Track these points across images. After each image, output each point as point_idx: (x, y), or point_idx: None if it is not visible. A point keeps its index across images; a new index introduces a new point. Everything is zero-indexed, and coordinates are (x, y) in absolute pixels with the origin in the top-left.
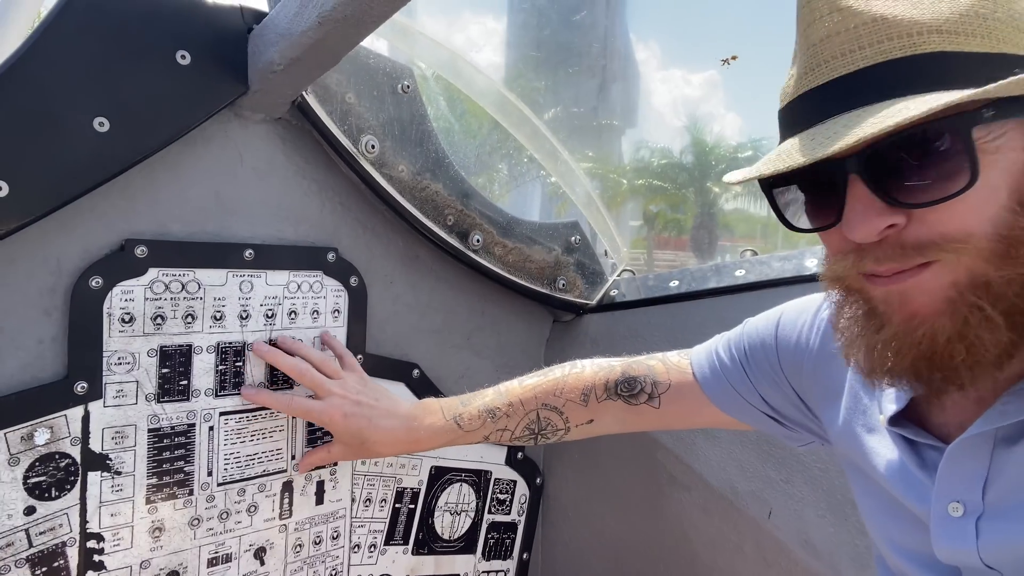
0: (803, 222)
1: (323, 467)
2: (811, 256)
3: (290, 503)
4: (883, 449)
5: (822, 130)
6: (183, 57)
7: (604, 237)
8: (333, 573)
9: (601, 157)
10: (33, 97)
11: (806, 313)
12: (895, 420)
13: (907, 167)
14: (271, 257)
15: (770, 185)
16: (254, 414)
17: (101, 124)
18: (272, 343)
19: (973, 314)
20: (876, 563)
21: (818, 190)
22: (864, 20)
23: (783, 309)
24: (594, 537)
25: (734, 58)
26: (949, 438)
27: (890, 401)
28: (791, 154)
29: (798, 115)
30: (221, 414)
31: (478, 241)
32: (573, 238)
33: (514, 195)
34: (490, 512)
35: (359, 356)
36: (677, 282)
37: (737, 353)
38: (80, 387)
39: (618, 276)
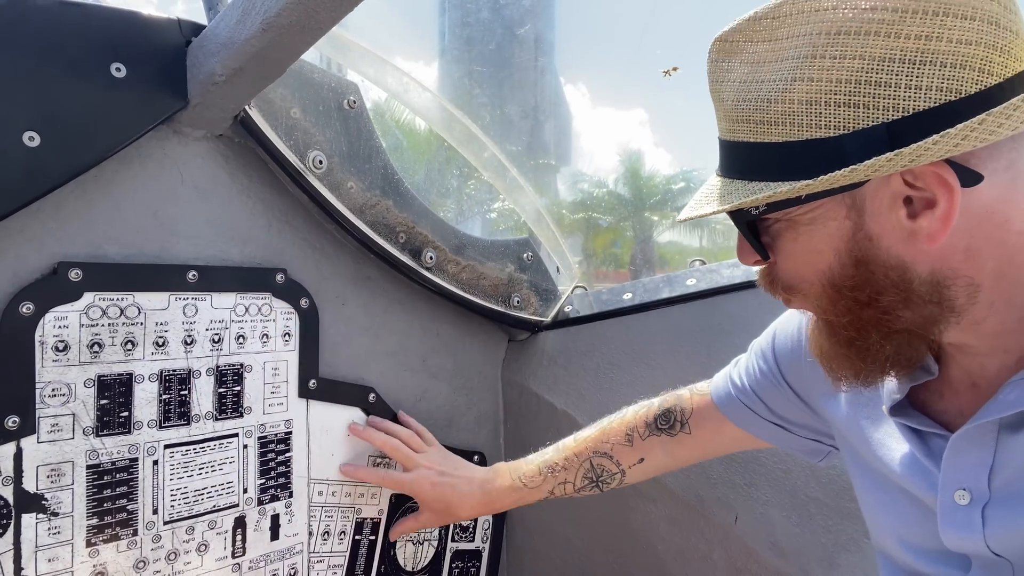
0: None
1: (278, 499)
2: None
3: (243, 540)
4: (890, 440)
5: (708, 182)
6: (118, 70)
7: (555, 254)
8: None
9: (539, 193)
10: None
11: (795, 319)
12: (897, 409)
13: (742, 231)
14: (216, 279)
15: None
16: (201, 446)
17: (31, 139)
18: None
19: (822, 343)
20: (880, 565)
21: None
22: (717, 98)
23: (777, 322)
24: (561, 559)
25: (675, 69)
26: (952, 426)
27: (892, 392)
28: (698, 204)
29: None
30: (166, 447)
31: (431, 259)
32: (525, 255)
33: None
34: (453, 540)
35: (312, 381)
36: (630, 295)
37: (746, 373)
38: (11, 422)
39: (571, 292)
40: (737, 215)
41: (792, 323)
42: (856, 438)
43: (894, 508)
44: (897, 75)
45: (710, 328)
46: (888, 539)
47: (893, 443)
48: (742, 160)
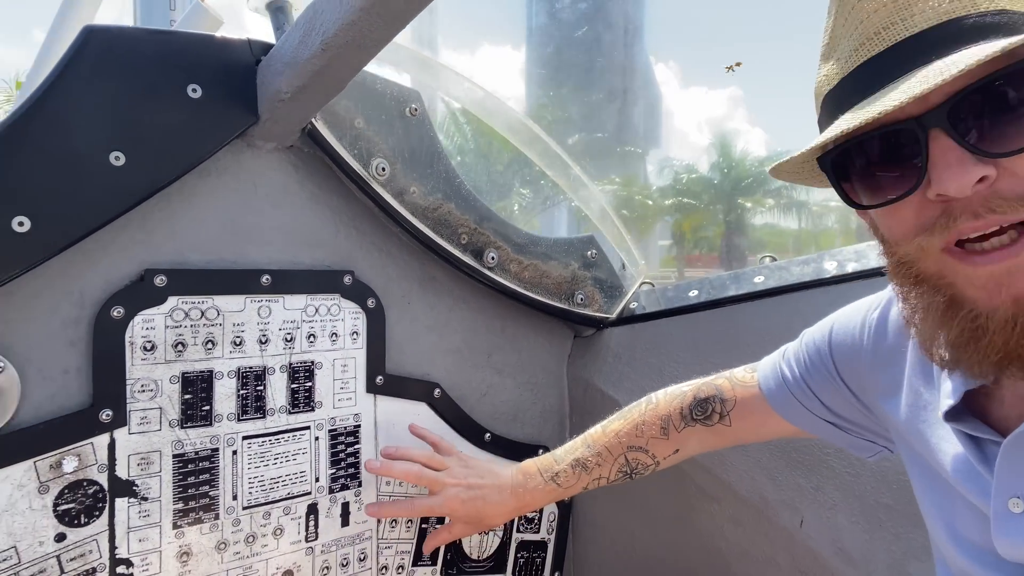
0: (869, 199)
1: (348, 488)
2: (830, 259)
3: (315, 525)
4: (946, 444)
5: (894, 88)
6: (194, 91)
7: (621, 251)
8: None
9: (626, 180)
10: (51, 135)
11: (858, 315)
12: (953, 415)
13: (994, 113)
14: (288, 282)
15: (832, 163)
16: (276, 437)
17: (117, 158)
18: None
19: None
20: (937, 566)
21: (890, 158)
22: None
23: (836, 316)
24: (625, 553)
25: (738, 64)
26: (1009, 432)
27: (947, 396)
28: (864, 112)
29: (856, 88)
30: (244, 438)
31: (493, 259)
32: (589, 252)
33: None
34: (518, 531)
35: (379, 377)
36: (696, 292)
37: (796, 364)
38: (105, 415)
39: (637, 289)
40: (992, 89)
41: (854, 318)
42: (915, 440)
43: (951, 512)
44: None
45: (778, 327)
46: (945, 543)
47: (949, 448)
48: (994, 26)
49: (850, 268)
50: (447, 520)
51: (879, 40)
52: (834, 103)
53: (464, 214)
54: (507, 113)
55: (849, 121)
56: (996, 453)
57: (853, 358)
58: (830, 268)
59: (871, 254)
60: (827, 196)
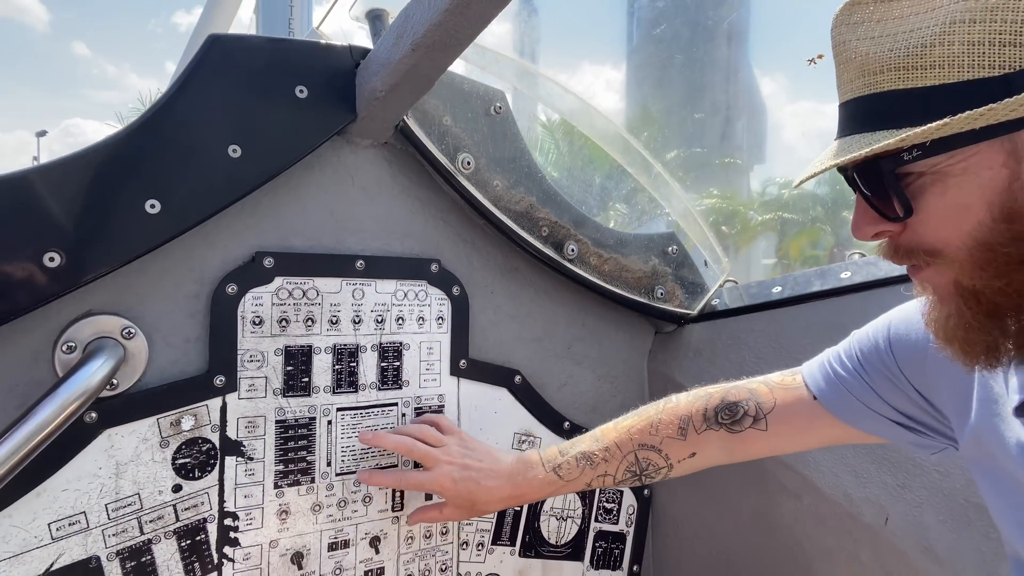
0: None
1: None
2: None
3: (402, 496)
4: (1017, 437)
5: (829, 148)
6: (301, 92)
7: (704, 248)
8: (443, 568)
9: (728, 194)
10: (179, 129)
11: (919, 312)
12: (1021, 410)
13: (877, 189)
14: (380, 267)
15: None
16: (367, 411)
17: (235, 151)
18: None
19: (959, 315)
20: (1010, 565)
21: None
22: (852, 56)
23: (891, 314)
24: (706, 550)
25: (820, 57)
26: None
27: (1015, 391)
28: (824, 160)
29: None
30: (338, 410)
31: (573, 251)
32: (670, 248)
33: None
34: (596, 520)
35: (463, 361)
36: (780, 288)
37: (850, 362)
38: (219, 380)
39: (720, 286)
40: (873, 169)
41: (914, 315)
42: (986, 436)
43: (1022, 507)
44: None
45: (862, 322)
46: (1018, 539)
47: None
48: (884, 111)
49: None
50: (435, 499)
51: (840, 93)
52: None
53: (545, 207)
54: (592, 115)
55: (808, 170)
56: None
57: (917, 355)
58: None
59: None
60: None
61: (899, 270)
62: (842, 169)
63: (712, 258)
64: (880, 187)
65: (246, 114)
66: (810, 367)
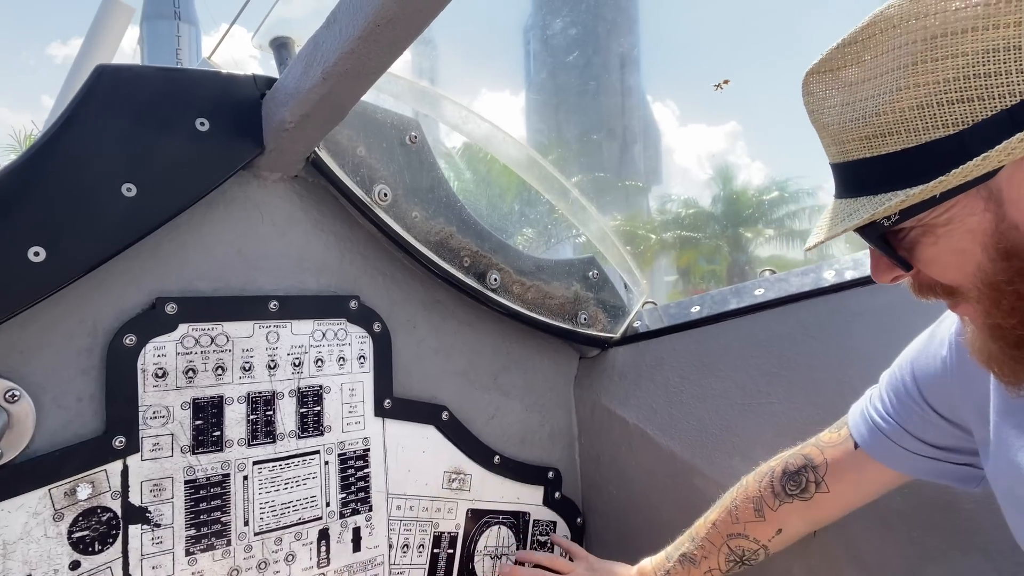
0: None
1: (358, 513)
2: (828, 268)
3: (327, 551)
4: None
5: (829, 207)
6: (202, 124)
7: (623, 271)
8: None
9: (629, 216)
10: (65, 168)
11: (936, 338)
12: None
13: (876, 247)
14: (295, 307)
15: None
16: (287, 462)
17: (129, 190)
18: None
19: (994, 345)
20: None
21: None
22: (822, 125)
23: (911, 348)
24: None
25: (726, 82)
26: None
27: None
28: (824, 227)
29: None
30: (254, 463)
31: (496, 280)
32: (591, 273)
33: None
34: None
35: (387, 401)
36: (698, 307)
37: (882, 404)
38: (118, 441)
39: (640, 308)
40: (869, 230)
41: (932, 343)
42: (1007, 447)
43: None
44: (1005, 62)
45: (780, 338)
46: None
47: None
48: (860, 178)
49: (848, 276)
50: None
51: (828, 156)
52: None
53: (465, 238)
54: (507, 143)
55: (814, 238)
56: None
57: (939, 381)
58: (829, 277)
59: (868, 262)
60: None
61: (810, 284)
62: None
63: (631, 280)
64: (882, 244)
65: (141, 149)
66: (852, 416)
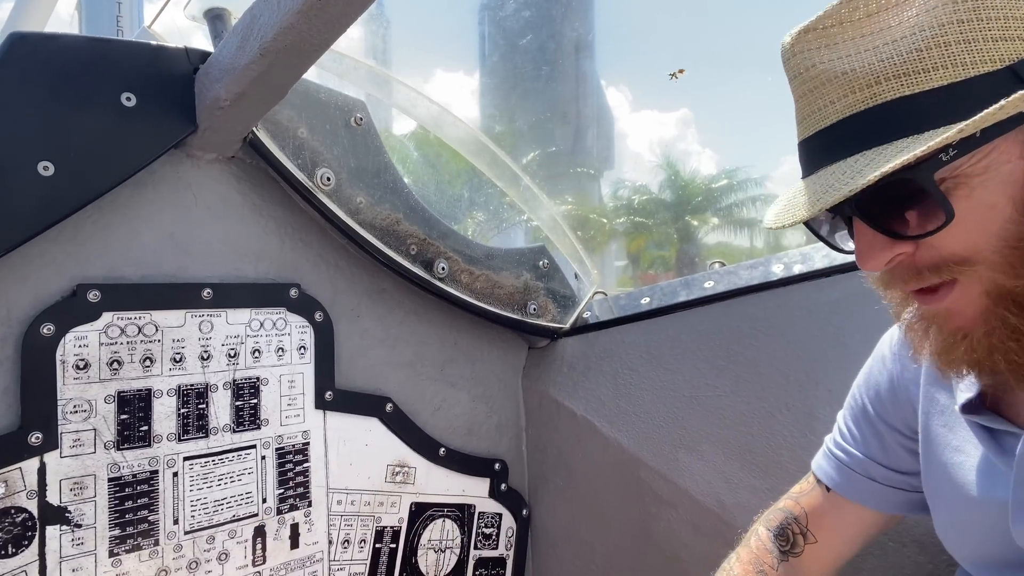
0: (848, 244)
1: (296, 509)
2: (777, 262)
3: (263, 549)
4: (965, 444)
5: (812, 183)
6: (128, 99)
7: (573, 261)
8: None
9: (581, 200)
10: None
11: (878, 354)
12: (970, 408)
13: (893, 208)
14: (231, 296)
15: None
16: (220, 458)
17: (45, 168)
18: None
19: (1002, 325)
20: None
21: (835, 229)
22: (832, 76)
23: (861, 372)
24: (585, 566)
25: (681, 72)
26: None
27: (964, 391)
28: (795, 208)
29: (800, 161)
30: (185, 459)
31: (443, 269)
32: (541, 263)
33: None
34: (476, 548)
35: (328, 393)
36: (648, 299)
37: (844, 441)
38: (34, 438)
39: (591, 298)
40: (896, 184)
41: (876, 360)
42: (933, 447)
43: (968, 525)
44: None
45: (729, 331)
46: (966, 551)
47: (967, 446)
48: (890, 121)
49: (796, 270)
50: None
51: (806, 126)
52: (799, 160)
53: (413, 224)
54: (458, 127)
55: (774, 221)
56: (1014, 444)
57: (889, 395)
58: (777, 271)
59: (816, 256)
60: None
61: (759, 277)
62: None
63: (581, 270)
64: (900, 203)
65: (59, 125)
66: (817, 459)
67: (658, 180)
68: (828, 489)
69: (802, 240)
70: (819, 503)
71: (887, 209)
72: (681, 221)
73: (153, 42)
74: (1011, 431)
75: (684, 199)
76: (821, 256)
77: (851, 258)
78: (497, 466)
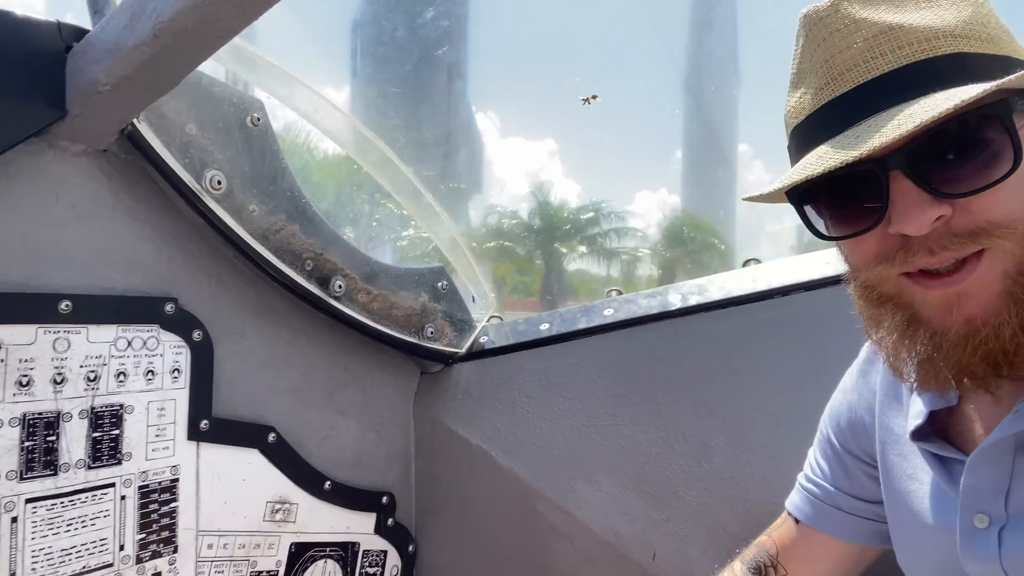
0: (834, 231)
1: (160, 556)
2: (675, 292)
3: None
4: (918, 472)
5: (858, 132)
6: None
7: (471, 283)
8: None
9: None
10: None
11: (841, 387)
12: (920, 435)
13: (949, 158)
14: (94, 310)
15: (800, 197)
16: (71, 499)
17: None
18: None
19: (1018, 312)
20: None
21: (854, 194)
22: (880, 29)
23: (828, 404)
24: None
25: (594, 97)
26: (972, 451)
27: (914, 417)
28: (831, 156)
29: (822, 126)
30: (27, 501)
31: (340, 287)
32: (439, 284)
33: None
34: None
35: (204, 422)
36: (548, 325)
37: (815, 474)
38: None
39: (487, 322)
40: (992, 112)
41: (838, 393)
42: (890, 475)
43: (923, 549)
44: None
45: (628, 359)
46: (918, 571)
47: (922, 475)
48: (956, 71)
49: (693, 301)
50: None
51: (844, 80)
52: (803, 137)
53: (309, 238)
54: (357, 135)
55: (813, 168)
56: (961, 472)
57: (849, 424)
58: (675, 301)
59: (711, 287)
60: (637, 245)
61: (657, 307)
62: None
63: (478, 293)
64: (958, 152)
65: None
66: (791, 496)
67: (526, 208)
68: (797, 521)
69: (654, 277)
70: (790, 536)
71: (937, 161)
72: (548, 247)
73: (18, 13)
74: (958, 458)
75: (553, 226)
76: (716, 287)
77: (745, 290)
78: (385, 499)
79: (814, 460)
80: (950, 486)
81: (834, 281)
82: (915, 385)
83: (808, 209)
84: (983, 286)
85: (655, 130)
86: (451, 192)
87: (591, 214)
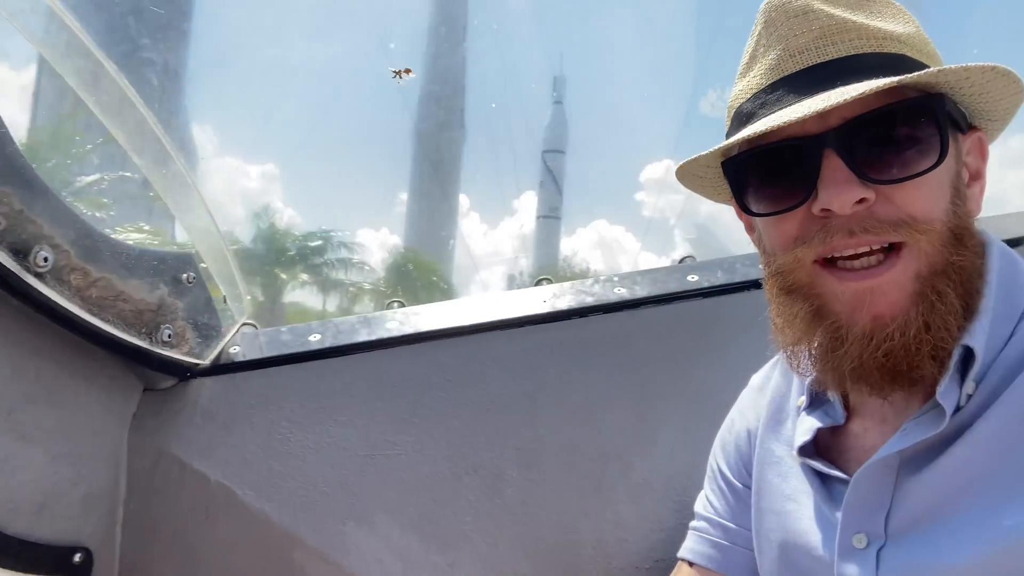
0: (761, 208)
1: None
2: (469, 306)
3: None
4: (798, 493)
5: (803, 105)
6: None
7: (222, 279)
8: None
9: (156, 231)
10: None
11: (730, 416)
12: (806, 452)
13: (881, 143)
14: None
15: (736, 169)
16: None
17: None
18: None
19: (939, 300)
20: None
21: (786, 172)
22: (836, 22)
23: (716, 438)
24: None
25: (408, 71)
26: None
27: (802, 435)
28: (772, 121)
29: (769, 101)
30: None
31: (46, 261)
32: (185, 275)
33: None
34: None
35: None
36: (319, 336)
37: (704, 509)
38: None
39: (238, 330)
40: (933, 102)
41: (726, 422)
42: (767, 496)
43: (795, 566)
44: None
45: (415, 379)
46: None
47: (802, 497)
48: (904, 65)
49: (488, 317)
50: None
51: (796, 61)
52: (747, 113)
53: (5, 186)
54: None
55: (754, 128)
56: (842, 492)
57: (734, 450)
58: (469, 317)
59: (509, 304)
60: (363, 278)
61: (448, 322)
62: (720, 157)
63: (231, 294)
64: (888, 138)
65: None
66: (685, 542)
67: (249, 230)
68: (690, 564)
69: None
70: None
71: (869, 144)
72: (269, 272)
73: None
74: (841, 477)
75: (278, 252)
76: (514, 304)
77: (541, 310)
78: (78, 557)
79: (704, 498)
80: (828, 505)
81: (633, 304)
82: (810, 383)
83: (742, 185)
84: (896, 286)
85: (382, 169)
86: (153, 208)
87: (319, 242)
